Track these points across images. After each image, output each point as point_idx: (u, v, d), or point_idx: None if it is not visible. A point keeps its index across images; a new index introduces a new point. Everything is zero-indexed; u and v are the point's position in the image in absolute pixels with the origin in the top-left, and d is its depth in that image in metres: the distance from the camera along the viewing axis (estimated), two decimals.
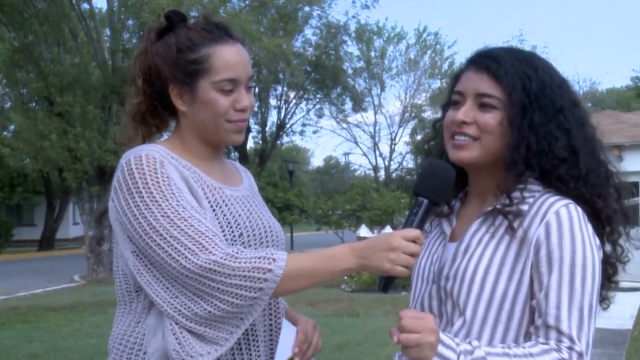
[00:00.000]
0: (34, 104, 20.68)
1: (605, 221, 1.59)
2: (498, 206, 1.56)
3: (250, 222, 1.77)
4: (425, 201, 1.55)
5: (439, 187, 1.57)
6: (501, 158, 1.58)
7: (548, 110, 1.56)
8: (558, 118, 1.56)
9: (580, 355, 1.43)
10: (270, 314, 1.82)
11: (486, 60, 1.59)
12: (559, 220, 1.48)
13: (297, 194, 30.62)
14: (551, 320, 1.45)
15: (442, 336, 1.44)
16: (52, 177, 30.66)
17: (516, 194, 1.55)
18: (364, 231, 19.61)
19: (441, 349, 1.42)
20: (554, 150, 1.55)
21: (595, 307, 1.49)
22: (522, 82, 1.55)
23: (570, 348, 1.43)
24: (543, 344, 1.44)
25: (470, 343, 1.45)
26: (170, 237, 1.55)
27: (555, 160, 1.55)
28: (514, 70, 1.56)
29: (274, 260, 1.55)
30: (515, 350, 1.43)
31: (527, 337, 1.50)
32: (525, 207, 1.53)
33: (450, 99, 1.69)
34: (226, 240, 1.67)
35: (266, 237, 1.81)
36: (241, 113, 1.75)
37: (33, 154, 19.63)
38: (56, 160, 18.31)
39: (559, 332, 1.44)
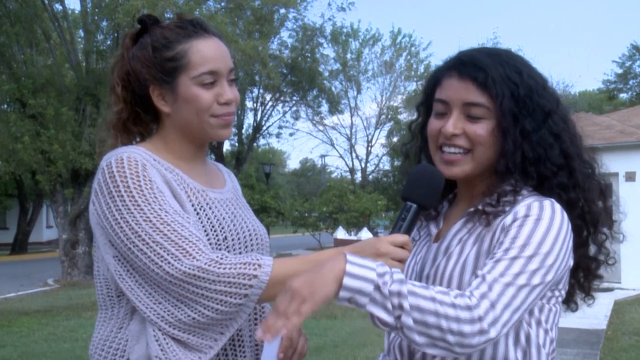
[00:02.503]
0: (6, 106, 20.38)
1: (590, 223, 1.59)
2: (481, 207, 1.56)
3: (234, 225, 1.75)
4: (414, 206, 1.53)
5: (428, 192, 1.55)
6: (491, 165, 1.57)
7: (537, 115, 1.55)
8: (547, 123, 1.55)
9: (492, 305, 1.33)
10: (256, 319, 1.80)
11: (470, 69, 1.55)
12: (527, 210, 1.46)
13: (273, 196, 30.56)
14: (479, 271, 1.39)
15: (350, 257, 1.33)
16: (24, 179, 30.21)
17: (508, 199, 1.54)
18: (341, 233, 19.65)
19: (351, 267, 1.31)
20: (550, 158, 1.54)
21: (534, 291, 1.40)
22: (510, 89, 1.53)
23: (483, 295, 1.34)
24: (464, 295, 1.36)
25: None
26: (153, 242, 1.52)
27: (554, 167, 1.54)
28: (499, 77, 1.53)
29: (259, 265, 1.52)
30: (442, 297, 1.32)
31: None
32: (508, 208, 1.52)
33: (426, 101, 1.67)
34: (210, 244, 1.64)
35: (251, 240, 1.78)
36: (226, 107, 1.72)
37: (5, 156, 19.31)
38: (29, 163, 18.03)
39: (482, 278, 1.37)
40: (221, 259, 1.52)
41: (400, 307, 1.31)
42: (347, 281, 1.32)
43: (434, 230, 1.70)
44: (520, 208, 1.48)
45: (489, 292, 1.35)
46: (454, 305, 1.32)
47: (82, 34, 19.89)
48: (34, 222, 36.10)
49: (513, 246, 1.42)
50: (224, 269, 1.51)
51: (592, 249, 1.64)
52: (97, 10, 18.78)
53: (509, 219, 1.48)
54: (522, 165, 1.54)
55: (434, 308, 1.31)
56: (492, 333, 1.33)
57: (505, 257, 1.41)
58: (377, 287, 1.32)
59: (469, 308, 1.32)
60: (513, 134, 1.52)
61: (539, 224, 1.44)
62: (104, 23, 19.35)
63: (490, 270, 1.39)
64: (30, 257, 30.62)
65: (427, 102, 1.68)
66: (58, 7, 18.97)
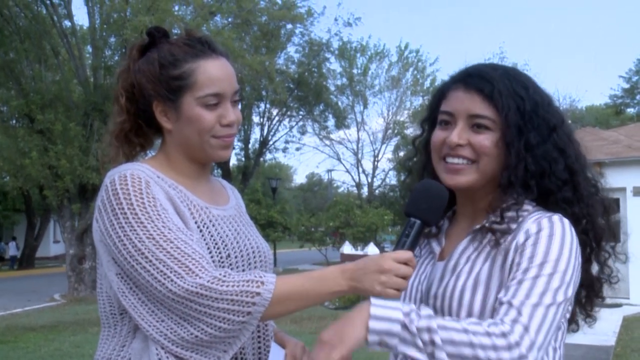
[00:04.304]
0: (14, 122, 20.50)
1: (593, 240, 1.59)
2: (487, 224, 1.55)
3: (237, 242, 1.74)
4: (418, 222, 1.52)
5: (432, 208, 1.54)
6: (494, 178, 1.56)
7: (542, 130, 1.55)
8: (552, 137, 1.55)
9: (526, 329, 1.33)
10: (259, 337, 1.78)
11: (477, 81, 1.56)
12: (539, 226, 1.46)
13: (280, 211, 30.56)
14: (504, 298, 1.39)
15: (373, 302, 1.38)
16: (32, 194, 30.36)
17: (511, 214, 1.53)
18: (347, 248, 19.63)
19: (375, 310, 1.35)
20: (555, 172, 1.54)
21: (559, 309, 1.40)
22: (516, 102, 1.53)
23: (514, 320, 1.34)
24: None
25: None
26: (156, 259, 1.51)
27: (559, 181, 1.54)
28: (506, 90, 1.54)
29: (262, 283, 1.51)
30: (474, 327, 1.33)
31: None
32: (514, 226, 1.51)
33: (431, 116, 1.67)
34: (213, 261, 1.63)
35: (254, 258, 1.77)
36: (227, 128, 1.72)
37: (13, 171, 19.43)
38: (37, 178, 18.13)
39: (509, 304, 1.37)
40: (224, 276, 1.51)
41: (432, 342, 1.31)
42: (373, 324, 1.33)
43: (436, 248, 1.68)
44: (531, 225, 1.47)
45: (519, 316, 1.35)
46: (488, 334, 1.31)
47: (90, 50, 20.03)
48: (41, 237, 36.22)
49: (531, 265, 1.42)
50: (227, 286, 1.50)
51: (595, 269, 1.64)
52: (105, 26, 18.93)
53: (521, 237, 1.47)
54: (524, 179, 1.53)
55: (467, 339, 1.31)
56: (531, 358, 1.33)
57: (526, 277, 1.41)
58: (405, 326, 1.32)
59: (503, 335, 1.32)
60: (517, 147, 1.52)
61: (553, 240, 1.44)
62: (112, 39, 19.51)
63: (514, 294, 1.39)
64: (37, 272, 30.68)
65: (431, 118, 1.67)
66: (67, 23, 19.15)
